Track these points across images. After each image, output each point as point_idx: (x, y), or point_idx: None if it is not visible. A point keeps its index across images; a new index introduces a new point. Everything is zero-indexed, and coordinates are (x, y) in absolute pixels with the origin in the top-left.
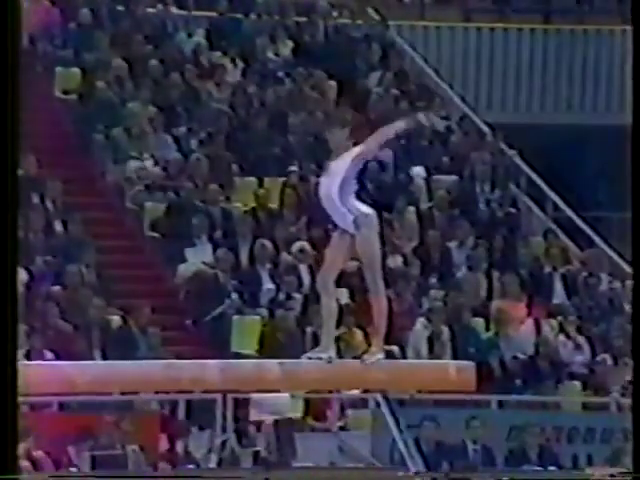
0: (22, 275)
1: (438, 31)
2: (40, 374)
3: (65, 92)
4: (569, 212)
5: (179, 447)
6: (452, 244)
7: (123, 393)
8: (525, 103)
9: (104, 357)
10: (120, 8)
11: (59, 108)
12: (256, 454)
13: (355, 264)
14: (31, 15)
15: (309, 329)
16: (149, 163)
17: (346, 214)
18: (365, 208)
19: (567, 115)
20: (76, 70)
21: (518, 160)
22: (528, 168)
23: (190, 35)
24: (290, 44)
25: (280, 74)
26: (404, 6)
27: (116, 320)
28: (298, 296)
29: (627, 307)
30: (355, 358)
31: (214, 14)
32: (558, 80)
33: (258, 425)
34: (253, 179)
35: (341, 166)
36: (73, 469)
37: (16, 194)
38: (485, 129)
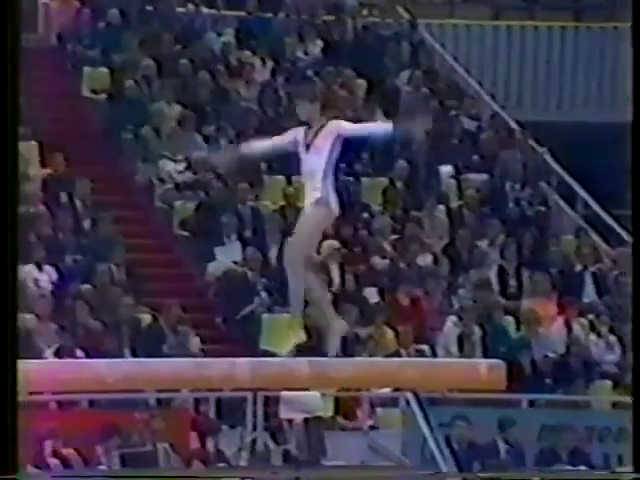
0: (52, 274)
1: (468, 29)
2: (70, 372)
3: (93, 92)
4: (600, 210)
5: (210, 445)
6: (482, 243)
7: (155, 391)
8: (555, 101)
9: (134, 355)
10: (149, 8)
11: (87, 108)
12: (286, 452)
13: (385, 262)
14: (60, 15)
15: None
16: (179, 162)
17: (317, 191)
18: (333, 196)
19: (598, 113)
20: (104, 70)
21: (548, 158)
22: (558, 166)
23: (219, 34)
24: (319, 43)
25: (309, 73)
26: (434, 4)
27: (146, 318)
28: (328, 294)
29: None
30: (387, 356)
31: (243, 13)
32: (588, 78)
33: (289, 423)
34: (282, 178)
35: (325, 144)
36: (102, 467)
37: (16, 191)
38: (515, 127)
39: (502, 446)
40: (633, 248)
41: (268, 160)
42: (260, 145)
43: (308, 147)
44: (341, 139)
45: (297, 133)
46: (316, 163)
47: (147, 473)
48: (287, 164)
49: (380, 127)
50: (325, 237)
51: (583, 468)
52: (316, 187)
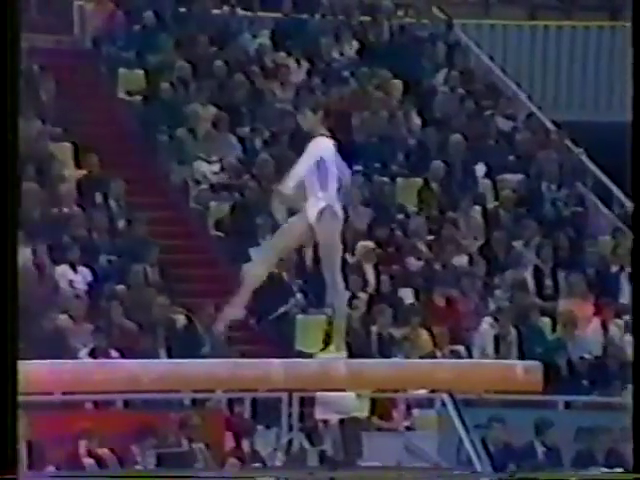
0: (86, 275)
1: (505, 29)
2: (105, 372)
3: (128, 93)
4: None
5: (245, 445)
6: (518, 243)
7: (190, 391)
8: (592, 101)
9: (169, 356)
10: (184, 10)
11: (122, 109)
12: (322, 453)
13: (420, 262)
14: (95, 17)
15: (374, 328)
16: (213, 163)
17: (319, 199)
18: (338, 205)
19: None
20: (140, 72)
21: (585, 158)
22: (595, 166)
23: (255, 36)
24: (355, 44)
25: (344, 74)
26: (470, 4)
27: (181, 319)
28: (363, 295)
29: None
30: (423, 358)
31: (279, 15)
32: (625, 77)
33: (324, 424)
34: None
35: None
36: (138, 467)
37: (16, 192)
38: (551, 127)
39: (539, 448)
40: (633, 248)
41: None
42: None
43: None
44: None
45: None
46: (312, 172)
47: (182, 473)
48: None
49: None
50: (360, 238)
51: (619, 470)
52: (317, 195)
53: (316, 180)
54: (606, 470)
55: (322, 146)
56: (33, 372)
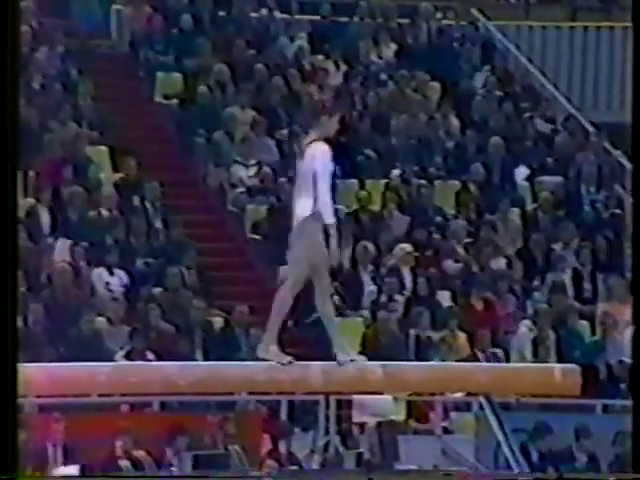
0: (123, 277)
1: (544, 31)
2: (142, 374)
3: (166, 97)
4: None
5: (282, 448)
6: (557, 246)
7: (225, 394)
8: (631, 102)
9: (206, 358)
10: (222, 13)
11: (160, 113)
12: (359, 456)
13: (458, 265)
14: (133, 21)
15: (412, 331)
16: (251, 167)
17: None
18: (329, 208)
19: None
20: (177, 75)
21: (624, 160)
22: (634, 168)
23: (293, 39)
24: (393, 46)
25: (383, 76)
26: (509, 6)
27: (218, 321)
28: (400, 298)
29: None
30: (460, 361)
31: (317, 17)
32: None
33: (361, 427)
34: (355, 181)
35: (313, 162)
36: (173, 469)
37: (15, 196)
38: (590, 129)
39: (577, 452)
40: (633, 248)
41: (341, 163)
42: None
43: (301, 155)
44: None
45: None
46: (305, 175)
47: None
48: (359, 168)
49: (326, 207)
50: (398, 240)
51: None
52: (307, 201)
53: (311, 185)
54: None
55: (326, 153)
56: (70, 374)
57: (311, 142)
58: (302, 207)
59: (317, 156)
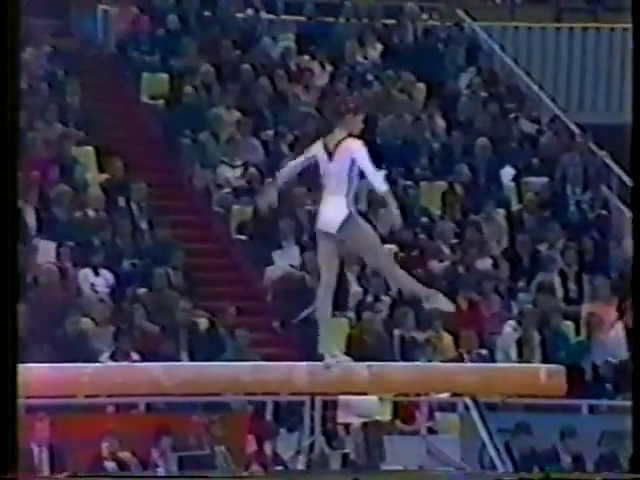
0: (109, 278)
1: (529, 32)
2: (128, 375)
3: (152, 97)
4: None
5: (267, 449)
6: (542, 247)
7: (211, 395)
8: (617, 103)
9: (191, 359)
10: (208, 13)
11: (146, 113)
12: (344, 456)
13: (444, 266)
14: (119, 21)
15: (397, 332)
16: (237, 167)
17: (342, 204)
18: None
19: None
20: (163, 76)
21: (609, 161)
22: (619, 169)
23: (278, 39)
24: (379, 47)
25: (369, 77)
26: (494, 7)
27: (203, 322)
28: (386, 299)
29: None
30: (446, 361)
31: (303, 18)
32: None
33: (346, 428)
34: None
35: (346, 158)
36: (159, 470)
37: (16, 193)
38: (576, 130)
39: (562, 453)
40: (634, 249)
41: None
42: (289, 169)
43: (330, 156)
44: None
45: (316, 146)
46: (338, 174)
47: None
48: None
49: (378, 177)
50: (384, 241)
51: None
52: (341, 200)
53: (345, 183)
54: (629, 474)
55: (313, 148)
56: (55, 375)
57: (340, 141)
58: (336, 207)
59: (353, 148)
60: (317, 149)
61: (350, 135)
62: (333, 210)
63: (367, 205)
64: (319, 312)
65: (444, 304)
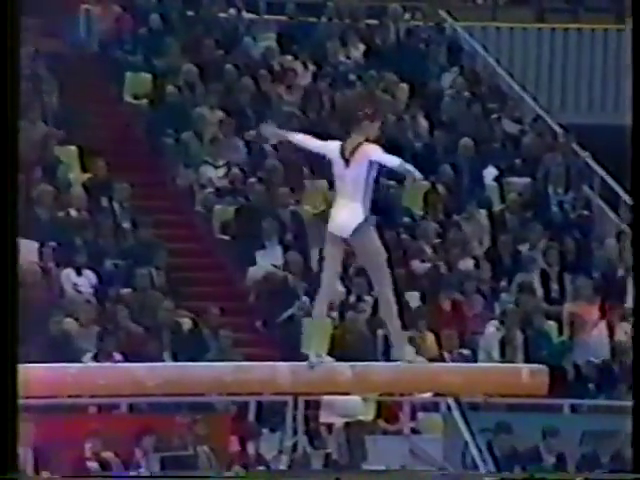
0: (92, 278)
1: (511, 32)
2: (110, 376)
3: (135, 97)
4: None
5: (250, 449)
6: (524, 247)
7: (193, 395)
8: (599, 104)
9: (174, 359)
10: (191, 13)
11: (129, 113)
12: (327, 456)
13: (426, 266)
14: (101, 21)
15: (380, 331)
16: (220, 167)
17: (359, 208)
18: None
19: None
20: (146, 75)
21: (591, 161)
22: (601, 170)
23: (258, 39)
24: (361, 47)
25: (351, 77)
26: (477, 7)
27: (186, 322)
28: (368, 299)
29: None
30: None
31: (285, 18)
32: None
33: (329, 427)
34: (323, 182)
35: (363, 163)
36: (141, 470)
37: (16, 194)
38: (558, 130)
39: (544, 452)
40: (634, 250)
41: (310, 164)
42: (304, 140)
43: (347, 162)
44: (376, 164)
45: (334, 148)
46: (355, 179)
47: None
48: (329, 168)
49: (403, 164)
50: None
51: (625, 474)
52: (357, 206)
53: (362, 189)
54: (611, 474)
55: (331, 148)
56: (38, 376)
57: (356, 147)
58: (351, 211)
59: (370, 151)
60: (334, 152)
61: (367, 141)
62: (348, 214)
63: None
64: (316, 311)
65: (407, 356)
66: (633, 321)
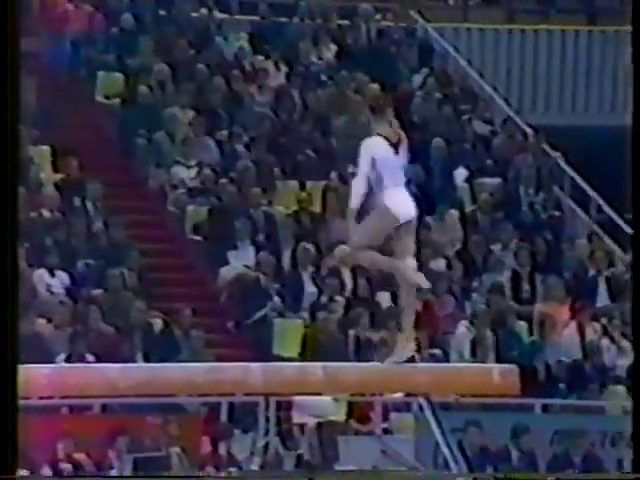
0: (64, 279)
1: (482, 33)
2: (82, 377)
3: (107, 97)
4: (613, 214)
5: (222, 450)
6: (496, 247)
7: (165, 396)
8: (569, 105)
9: (146, 360)
10: (163, 13)
11: (101, 112)
12: (299, 457)
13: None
14: (74, 20)
15: (351, 332)
16: (192, 167)
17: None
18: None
19: (611, 116)
20: (118, 75)
21: (562, 162)
22: (572, 170)
23: (229, 39)
24: (333, 47)
25: (323, 77)
26: (448, 8)
27: (158, 323)
28: (340, 299)
29: None
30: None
31: (257, 18)
32: (602, 81)
33: (301, 428)
34: (295, 182)
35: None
36: (114, 472)
37: (16, 195)
38: (529, 131)
39: (515, 451)
40: (633, 252)
41: (282, 164)
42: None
43: (397, 149)
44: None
45: (374, 146)
46: (402, 165)
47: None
48: (299, 169)
49: None
50: (340, 242)
51: (596, 473)
52: (405, 190)
53: (373, 181)
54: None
55: (373, 145)
56: None
57: (398, 133)
58: (406, 196)
59: (403, 136)
60: (381, 146)
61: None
62: (407, 199)
63: None
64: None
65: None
66: (633, 321)
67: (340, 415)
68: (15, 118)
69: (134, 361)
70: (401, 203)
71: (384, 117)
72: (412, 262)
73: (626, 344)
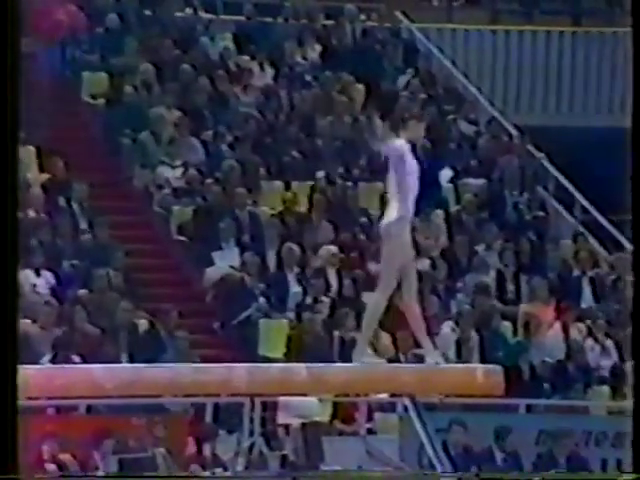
0: (50, 279)
1: (466, 34)
2: (68, 377)
3: (92, 97)
4: (598, 215)
5: (207, 450)
6: (480, 247)
7: (151, 396)
8: (554, 106)
9: (132, 361)
10: (148, 12)
11: (86, 113)
12: (284, 457)
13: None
14: (59, 20)
15: (336, 333)
16: (177, 167)
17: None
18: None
19: (596, 117)
20: (103, 75)
21: (546, 163)
22: (556, 171)
23: (216, 39)
24: (318, 48)
25: (308, 78)
26: (432, 9)
27: (144, 324)
28: (325, 300)
29: None
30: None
31: (242, 18)
32: (586, 82)
33: (286, 429)
34: (280, 183)
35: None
36: (99, 472)
37: (16, 196)
38: (513, 132)
39: (499, 451)
40: (634, 254)
41: (267, 165)
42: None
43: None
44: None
45: (401, 144)
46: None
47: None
48: (284, 169)
49: None
50: (324, 242)
51: (581, 473)
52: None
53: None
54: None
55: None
56: None
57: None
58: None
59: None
60: (405, 150)
61: (409, 141)
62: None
63: None
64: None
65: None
66: (633, 322)
67: (325, 416)
68: (15, 120)
69: (119, 362)
70: (410, 209)
71: (409, 128)
72: None
73: (610, 344)
